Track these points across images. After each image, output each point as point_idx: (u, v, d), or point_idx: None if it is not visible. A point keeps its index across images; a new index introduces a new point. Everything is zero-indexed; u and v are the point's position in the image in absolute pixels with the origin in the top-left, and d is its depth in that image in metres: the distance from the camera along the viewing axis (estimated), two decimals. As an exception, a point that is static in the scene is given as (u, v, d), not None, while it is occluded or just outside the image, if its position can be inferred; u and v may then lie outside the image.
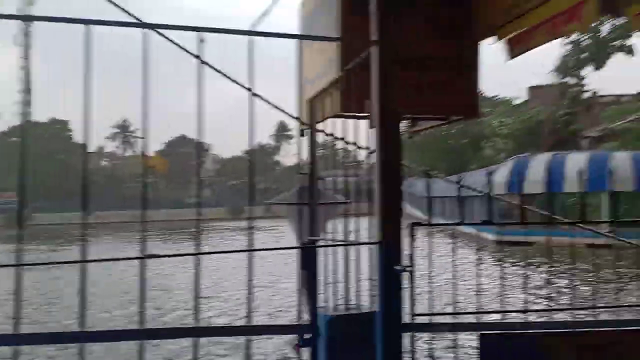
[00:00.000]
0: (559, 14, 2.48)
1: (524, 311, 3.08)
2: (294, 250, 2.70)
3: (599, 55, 42.00)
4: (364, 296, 2.74)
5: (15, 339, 2.07)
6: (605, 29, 40.61)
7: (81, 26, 1.80)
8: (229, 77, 1.92)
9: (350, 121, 2.57)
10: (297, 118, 2.08)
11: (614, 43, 41.49)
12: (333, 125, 2.81)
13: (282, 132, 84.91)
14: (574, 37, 42.01)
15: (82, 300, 2.10)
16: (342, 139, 2.45)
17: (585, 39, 42.25)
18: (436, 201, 37.96)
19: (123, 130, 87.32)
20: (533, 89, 52.77)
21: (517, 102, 55.80)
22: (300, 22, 3.12)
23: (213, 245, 31.50)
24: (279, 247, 2.42)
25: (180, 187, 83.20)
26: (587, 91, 46.65)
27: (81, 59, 1.77)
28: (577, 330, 3.15)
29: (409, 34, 2.66)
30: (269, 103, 2.11)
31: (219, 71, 1.90)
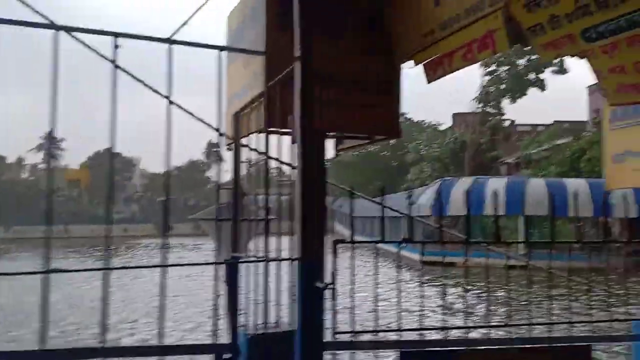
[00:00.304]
0: (472, 41, 2.59)
1: (442, 328, 3.14)
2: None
3: (515, 88, 45.19)
4: (287, 314, 2.69)
5: None
6: (522, 62, 43.89)
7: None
8: (146, 85, 1.85)
9: (274, 137, 2.55)
10: (216, 129, 2.03)
11: (528, 77, 44.80)
12: (259, 141, 2.78)
13: (213, 148, 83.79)
14: (493, 68, 45.02)
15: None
16: (266, 153, 2.42)
17: (503, 72, 45.37)
18: (366, 221, 38.61)
19: (49, 142, 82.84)
20: (457, 116, 55.38)
21: (443, 127, 58.27)
22: (227, 36, 3.09)
23: (137, 262, 30.44)
24: (197, 263, 2.33)
25: (105, 202, 79.64)
26: (506, 120, 49.66)
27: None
28: (492, 347, 3.25)
29: (335, 54, 2.69)
30: (188, 113, 2.05)
31: (135, 77, 1.82)
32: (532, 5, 2.42)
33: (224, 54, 2.51)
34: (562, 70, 43.48)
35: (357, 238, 3.10)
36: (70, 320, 14.01)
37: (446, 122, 59.82)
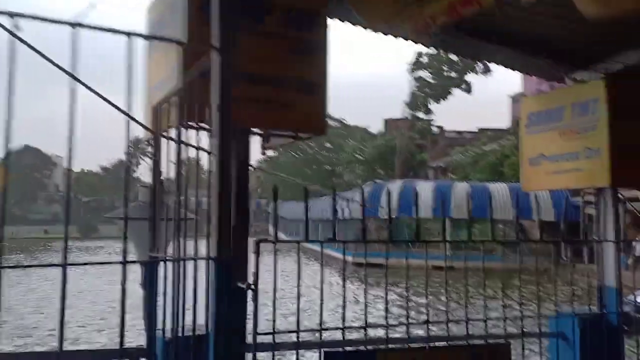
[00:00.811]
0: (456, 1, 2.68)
1: (365, 327, 3.14)
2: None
3: (443, 91, 47.17)
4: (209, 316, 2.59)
5: None
6: (447, 68, 45.91)
7: None
8: (47, 58, 1.69)
9: (193, 131, 2.45)
10: (123, 111, 1.90)
11: (454, 79, 46.89)
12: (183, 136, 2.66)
13: (137, 143, 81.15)
14: (421, 74, 46.70)
15: None
16: (183, 142, 2.31)
17: (431, 77, 47.26)
18: (301, 223, 38.69)
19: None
20: (388, 121, 56.90)
21: (375, 132, 59.65)
22: (147, 28, 2.96)
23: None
24: (103, 262, 2.19)
25: (22, 202, 75.27)
26: (434, 126, 51.60)
27: None
28: (410, 345, 3.30)
29: (258, 50, 2.64)
30: (96, 94, 1.91)
31: (35, 50, 1.66)
32: None
33: (140, 42, 2.40)
34: (487, 70, 45.73)
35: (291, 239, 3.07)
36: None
37: (380, 127, 61.35)
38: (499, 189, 27.01)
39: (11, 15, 1.56)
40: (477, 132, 50.00)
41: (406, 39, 2.95)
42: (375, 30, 2.96)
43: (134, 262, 2.40)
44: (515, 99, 45.85)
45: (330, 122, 64.92)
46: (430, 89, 47.44)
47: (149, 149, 2.99)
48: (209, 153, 2.14)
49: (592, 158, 4.01)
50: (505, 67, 4.49)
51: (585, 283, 4.22)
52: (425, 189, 28.86)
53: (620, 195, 4.36)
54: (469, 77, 46.89)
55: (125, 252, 1.94)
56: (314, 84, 2.82)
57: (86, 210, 76.38)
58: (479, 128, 51.79)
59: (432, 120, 50.64)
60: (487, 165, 36.53)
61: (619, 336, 4.09)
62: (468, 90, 47.24)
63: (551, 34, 2.92)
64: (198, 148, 2.35)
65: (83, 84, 1.88)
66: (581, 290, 4.31)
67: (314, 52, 2.81)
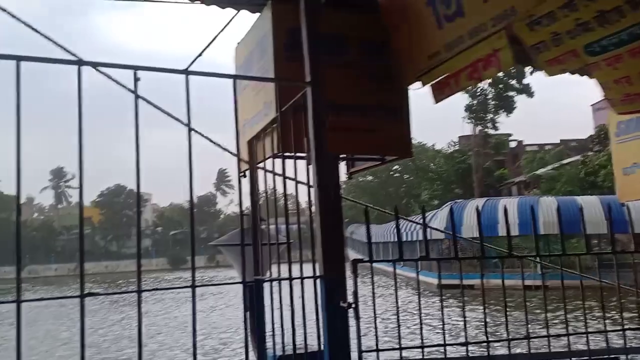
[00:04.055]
0: (477, 60, 2.67)
1: (466, 344, 3.12)
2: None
3: (504, 100, 43.77)
4: (312, 335, 2.71)
5: None
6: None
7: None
8: (168, 114, 1.93)
9: (289, 162, 2.62)
10: (235, 155, 2.09)
11: (512, 83, 43.01)
12: (274, 167, 2.84)
13: (223, 181, 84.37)
14: (480, 88, 43.86)
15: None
16: (283, 175, 2.48)
17: (488, 89, 43.89)
18: (379, 246, 38.40)
19: (58, 179, 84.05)
20: (461, 138, 55.60)
21: (444, 149, 58.16)
22: (236, 67, 3.21)
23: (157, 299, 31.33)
24: (224, 283, 2.37)
25: (116, 238, 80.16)
26: (512, 140, 49.43)
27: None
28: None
29: (343, 81, 2.80)
30: (208, 140, 2.12)
31: (156, 106, 1.90)
32: (533, 24, 2.49)
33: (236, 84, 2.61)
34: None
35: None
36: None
37: (441, 145, 59.99)
38: (589, 202, 25.53)
39: (134, 68, 1.79)
40: (559, 144, 47.78)
41: (436, 101, 2.98)
42: (407, 85, 3.01)
43: (256, 280, 2.56)
44: (597, 108, 43.41)
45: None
46: (489, 98, 44.68)
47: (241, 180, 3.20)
48: (308, 184, 2.28)
49: (691, 162, 3.81)
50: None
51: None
52: (508, 206, 27.78)
53: None
54: (526, 80, 43.68)
55: (242, 277, 2.09)
56: (395, 107, 2.93)
57: (174, 243, 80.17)
58: (561, 140, 49.50)
59: (510, 134, 48.90)
60: (574, 177, 34.75)
61: None
62: (529, 93, 43.84)
63: (638, 34, 2.85)
64: (296, 181, 2.51)
65: (194, 129, 2.08)
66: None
67: (394, 78, 2.93)
